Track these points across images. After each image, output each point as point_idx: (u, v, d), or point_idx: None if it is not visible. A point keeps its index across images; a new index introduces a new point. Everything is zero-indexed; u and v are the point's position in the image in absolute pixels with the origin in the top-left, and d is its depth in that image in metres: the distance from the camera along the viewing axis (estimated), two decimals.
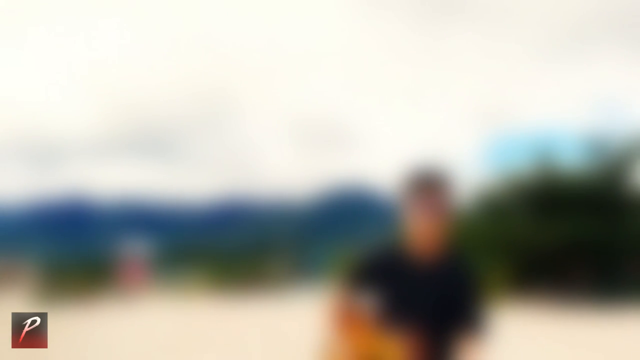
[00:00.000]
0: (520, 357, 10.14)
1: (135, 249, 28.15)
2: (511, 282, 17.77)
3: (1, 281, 46.21)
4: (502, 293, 17.34)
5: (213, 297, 25.13)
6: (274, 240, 36.39)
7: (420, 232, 2.45)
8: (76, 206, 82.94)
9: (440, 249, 2.49)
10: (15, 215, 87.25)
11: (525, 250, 17.60)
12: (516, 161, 19.88)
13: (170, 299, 23.27)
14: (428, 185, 2.46)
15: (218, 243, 36.21)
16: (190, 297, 24.82)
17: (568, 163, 19.36)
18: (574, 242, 17.25)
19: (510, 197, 19.22)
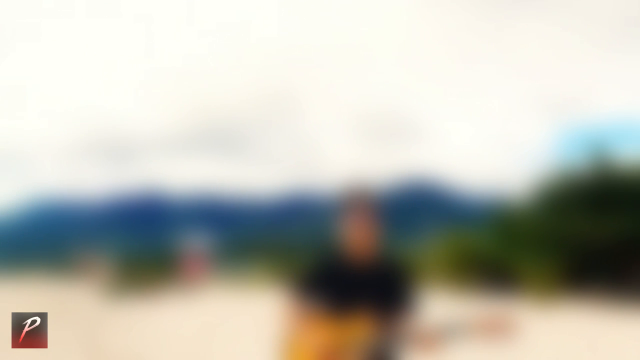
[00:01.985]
0: (574, 354, 10.04)
1: (198, 242, 29.03)
2: (566, 277, 17.39)
3: (80, 273, 48.61)
4: (555, 289, 17.01)
5: (274, 290, 25.67)
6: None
7: (355, 239, 2.85)
8: (151, 201, 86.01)
9: (372, 252, 2.89)
10: (94, 210, 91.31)
11: (582, 246, 17.17)
12: (575, 154, 19.40)
13: (234, 291, 23.91)
14: (360, 200, 2.86)
15: (282, 237, 36.89)
16: (252, 290, 25.42)
17: (628, 157, 18.73)
18: (632, 238, 16.70)
19: (568, 191, 18.76)
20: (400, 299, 2.92)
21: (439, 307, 17.60)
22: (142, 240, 44.42)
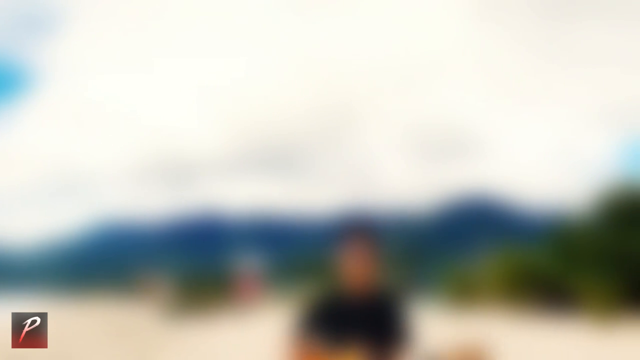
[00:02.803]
0: None
1: (253, 262, 29.31)
2: (628, 297, 16.70)
3: (141, 292, 49.77)
4: (616, 308, 16.35)
5: None
6: (395, 253, 36.41)
7: (353, 272, 2.87)
8: (208, 222, 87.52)
9: (370, 286, 2.92)
10: (154, 230, 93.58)
11: None
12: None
13: (289, 312, 23.98)
14: (358, 234, 2.87)
15: (337, 257, 36.83)
16: None
17: None
18: None
19: (631, 206, 18.08)
20: (395, 332, 2.93)
21: (493, 326, 17.23)
22: (199, 261, 45.20)
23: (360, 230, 2.90)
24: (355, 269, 2.88)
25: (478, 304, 20.87)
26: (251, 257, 30.70)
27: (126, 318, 26.72)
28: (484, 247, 24.31)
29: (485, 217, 46.69)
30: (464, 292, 22.17)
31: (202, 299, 27.75)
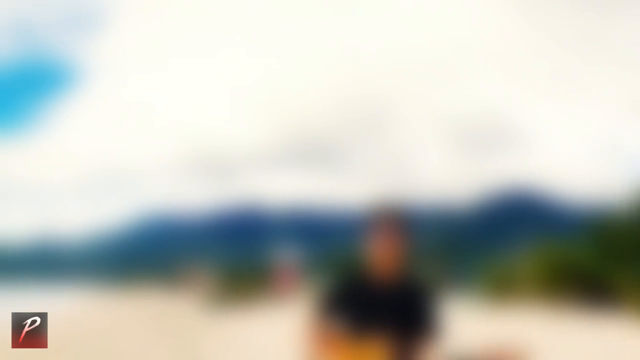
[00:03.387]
0: None
1: (290, 255, 29.61)
2: None
3: (184, 284, 50.74)
4: None
5: None
6: (433, 247, 36.27)
7: (380, 260, 2.84)
8: (248, 215, 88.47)
9: (397, 273, 2.86)
10: (196, 224, 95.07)
11: None
12: None
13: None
14: (387, 220, 2.84)
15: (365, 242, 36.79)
16: None
17: None
18: None
19: None
20: (422, 323, 2.86)
21: (531, 322, 17.15)
22: (239, 253, 45.82)
23: (389, 217, 2.86)
24: (383, 256, 2.83)
25: (516, 299, 20.77)
26: (289, 249, 31.05)
27: (169, 309, 27.38)
28: (523, 241, 24.11)
29: (525, 211, 46.08)
30: (502, 286, 22.06)
31: (241, 290, 28.21)
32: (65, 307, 31.11)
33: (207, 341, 13.39)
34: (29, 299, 37.63)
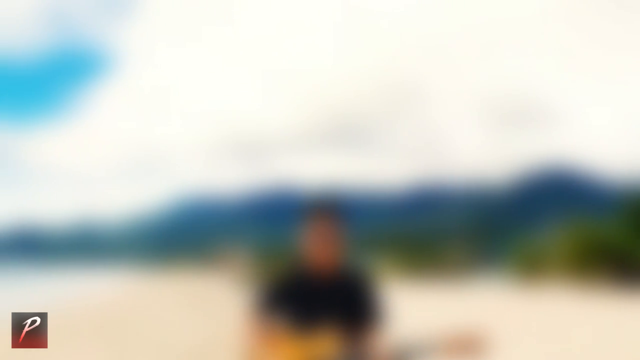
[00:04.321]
0: None
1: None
2: None
3: (217, 265, 51.57)
4: None
5: (399, 281, 25.91)
6: (466, 226, 36.07)
7: (317, 252, 2.80)
8: (280, 196, 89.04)
9: (336, 265, 2.83)
10: (231, 205, 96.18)
11: None
12: None
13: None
14: (322, 212, 2.81)
15: (409, 229, 36.94)
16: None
17: None
18: None
19: None
20: (366, 312, 2.86)
21: (562, 299, 17.01)
22: (272, 234, 46.28)
23: (325, 209, 2.82)
24: (320, 248, 2.79)
25: (548, 277, 20.63)
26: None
27: (204, 289, 27.93)
28: (557, 219, 23.84)
29: (560, 188, 45.55)
30: (534, 264, 21.92)
31: (273, 271, 28.56)
32: (104, 288, 32.00)
33: (241, 321, 13.62)
34: (71, 281, 38.79)
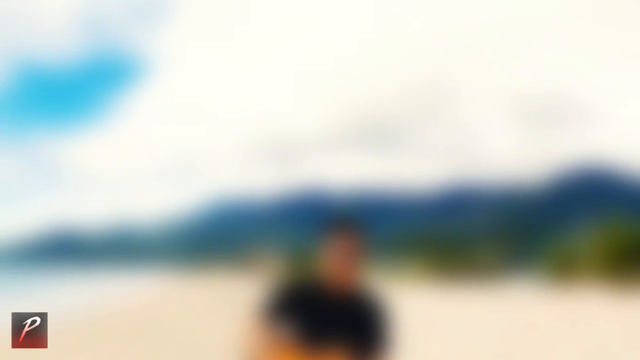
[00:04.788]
0: None
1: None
2: None
3: (250, 267, 51.93)
4: None
5: (430, 284, 25.76)
6: (498, 228, 35.68)
7: (335, 270, 2.78)
8: (313, 199, 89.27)
9: (352, 286, 2.81)
10: (263, 207, 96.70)
11: None
12: None
13: (391, 285, 24.26)
14: (343, 232, 2.79)
15: (441, 230, 36.69)
16: (409, 283, 25.69)
17: None
18: None
19: None
20: (374, 340, 2.83)
21: (595, 302, 16.70)
22: (305, 237, 46.46)
23: (347, 228, 2.81)
24: (339, 267, 2.78)
25: (582, 279, 20.31)
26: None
27: (237, 292, 28.17)
28: (591, 220, 23.45)
29: (594, 189, 44.55)
30: (568, 266, 21.60)
31: (302, 272, 28.64)
32: (138, 290, 32.50)
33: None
34: (106, 283, 39.51)
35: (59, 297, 24.24)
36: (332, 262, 2.77)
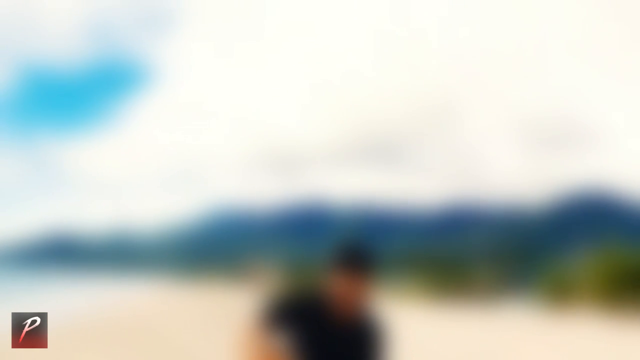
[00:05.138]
0: None
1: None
2: None
3: (247, 278, 51.88)
4: None
5: (423, 303, 25.71)
6: (498, 249, 35.65)
7: (341, 296, 2.73)
8: (313, 211, 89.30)
9: (357, 311, 2.76)
10: (263, 219, 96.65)
11: None
12: None
13: (388, 302, 24.17)
14: (354, 265, 2.73)
15: (440, 249, 36.63)
16: (408, 302, 25.64)
17: None
18: None
19: None
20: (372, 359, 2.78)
21: (592, 329, 16.71)
22: (304, 249, 46.42)
23: (356, 261, 2.76)
24: (344, 297, 2.73)
25: (579, 304, 20.28)
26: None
27: (233, 303, 28.12)
28: (591, 245, 23.46)
29: (595, 213, 44.50)
30: (566, 290, 21.58)
31: (302, 286, 28.59)
32: (135, 296, 32.47)
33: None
34: (104, 288, 39.48)
35: (58, 299, 24.25)
36: (339, 292, 2.71)
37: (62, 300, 24.36)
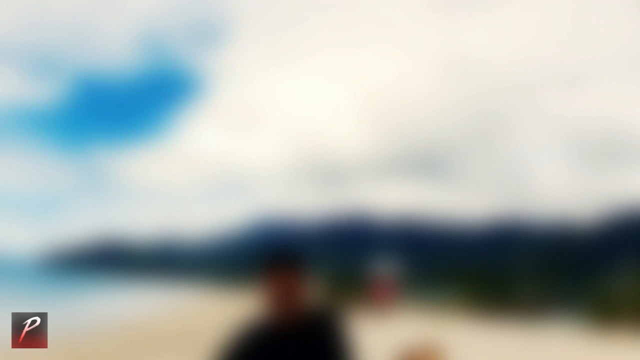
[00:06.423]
0: None
1: (392, 266, 29.62)
2: None
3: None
4: None
5: (466, 318, 25.36)
6: (544, 265, 34.95)
7: (276, 304, 2.77)
8: (357, 223, 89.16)
9: (297, 313, 2.79)
10: (304, 230, 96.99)
11: None
12: None
13: (423, 318, 24.05)
14: (277, 265, 2.80)
15: (484, 264, 36.10)
16: (447, 318, 25.38)
17: None
18: None
19: None
20: (336, 351, 2.82)
21: (636, 348, 16.24)
22: (345, 262, 46.40)
23: (281, 260, 2.83)
24: (279, 301, 2.77)
25: (625, 324, 19.75)
26: (393, 260, 31.12)
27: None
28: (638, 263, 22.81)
29: None
30: (612, 310, 21.03)
31: (344, 299, 28.62)
32: (181, 303, 33.04)
33: None
34: (150, 294, 40.29)
35: (105, 307, 24.87)
36: (274, 298, 2.78)
37: (112, 306, 24.98)
